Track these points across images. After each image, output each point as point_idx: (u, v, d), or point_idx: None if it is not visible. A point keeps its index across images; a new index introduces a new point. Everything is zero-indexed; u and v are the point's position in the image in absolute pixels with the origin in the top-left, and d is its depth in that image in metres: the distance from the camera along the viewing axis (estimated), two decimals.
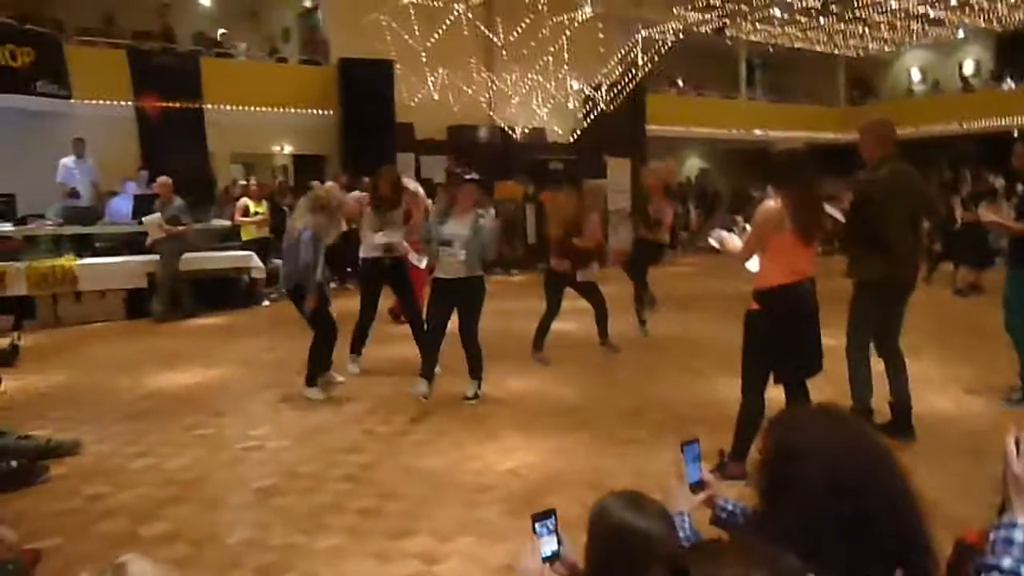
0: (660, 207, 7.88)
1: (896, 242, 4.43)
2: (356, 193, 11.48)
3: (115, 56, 12.50)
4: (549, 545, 1.75)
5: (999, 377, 5.70)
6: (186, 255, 9.99)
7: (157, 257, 9.63)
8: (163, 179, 10.01)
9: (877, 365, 4.80)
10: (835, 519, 1.30)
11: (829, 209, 4.35)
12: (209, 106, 13.09)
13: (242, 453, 4.68)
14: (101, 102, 12.28)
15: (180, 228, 9.77)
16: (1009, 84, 20.32)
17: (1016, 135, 18.05)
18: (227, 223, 11.50)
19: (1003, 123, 19.06)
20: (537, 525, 1.75)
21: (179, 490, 4.09)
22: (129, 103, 12.38)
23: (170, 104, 12.68)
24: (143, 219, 9.84)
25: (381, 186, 6.58)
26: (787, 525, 1.32)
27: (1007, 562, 1.11)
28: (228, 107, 13.50)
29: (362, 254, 6.62)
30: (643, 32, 17.77)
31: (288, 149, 15.43)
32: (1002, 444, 1.34)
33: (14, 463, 4.24)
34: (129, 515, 3.78)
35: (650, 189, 7.93)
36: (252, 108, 13.96)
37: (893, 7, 17.64)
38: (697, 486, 1.92)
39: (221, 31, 15.45)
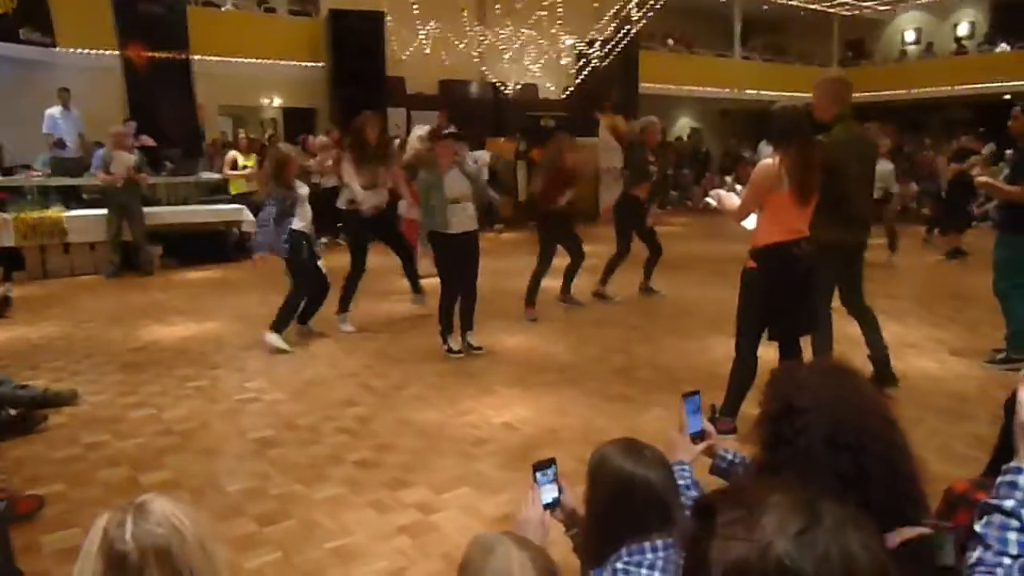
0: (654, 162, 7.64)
1: (851, 205, 4.41)
2: (322, 138, 11.30)
3: (99, 4, 12.19)
4: (550, 493, 1.81)
5: (983, 340, 5.81)
6: (173, 208, 9.91)
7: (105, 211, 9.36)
8: (117, 128, 9.62)
9: (854, 327, 4.89)
10: (833, 473, 1.34)
11: None
12: (196, 57, 12.85)
13: (238, 405, 4.73)
14: (86, 51, 12.03)
15: (141, 175, 9.51)
16: (1003, 47, 20.23)
17: (1009, 98, 18.04)
18: (216, 176, 11.40)
19: (996, 87, 19.01)
20: (538, 474, 1.81)
21: (178, 440, 4.14)
22: (115, 52, 12.14)
23: (156, 54, 12.44)
24: (112, 154, 9.27)
25: (367, 134, 6.21)
26: (786, 477, 1.37)
27: (1009, 503, 1.16)
28: (216, 58, 13.27)
29: (344, 207, 6.38)
30: None
31: (277, 102, 15.23)
32: (991, 403, 1.39)
33: (12, 412, 4.27)
34: (130, 463, 3.83)
35: (649, 144, 7.57)
36: (240, 59, 13.72)
37: None
38: (697, 436, 1.98)
39: None
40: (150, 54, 12.36)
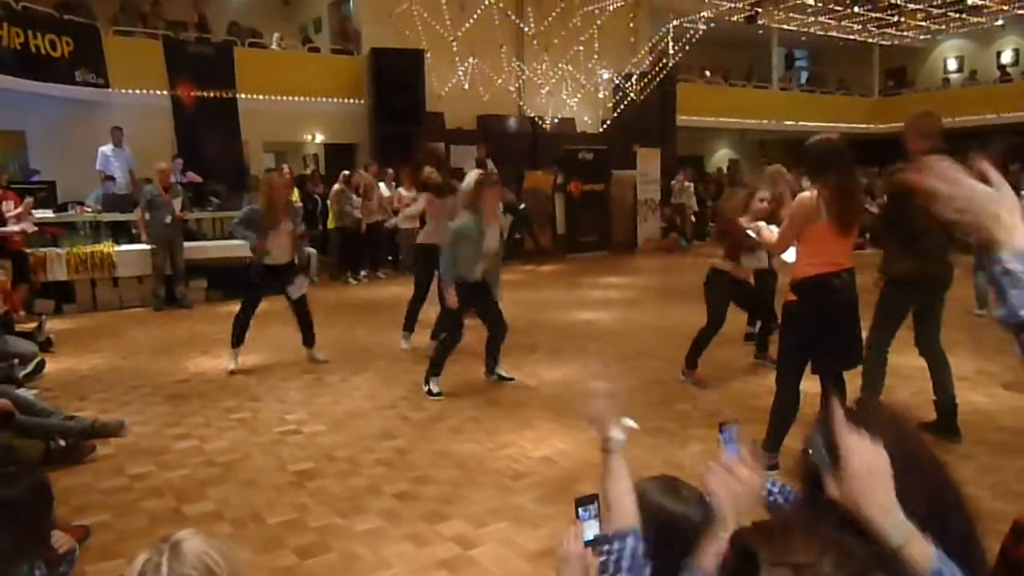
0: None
1: (926, 237, 4.25)
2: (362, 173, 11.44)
3: (151, 46, 12.69)
4: (591, 529, 1.78)
5: None
6: (218, 243, 10.15)
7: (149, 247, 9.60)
8: (160, 165, 9.72)
9: (902, 359, 4.76)
10: None
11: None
12: (242, 95, 13.24)
13: (279, 436, 4.78)
14: (138, 91, 12.47)
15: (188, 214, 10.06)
16: None
17: None
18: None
19: None
20: (580, 509, 1.78)
21: (220, 471, 4.20)
22: (165, 92, 12.57)
23: (204, 93, 12.86)
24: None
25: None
26: (832, 519, 1.34)
27: None
28: (261, 96, 13.66)
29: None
30: (674, 21, 17.63)
31: (319, 138, 15.55)
32: None
33: (62, 442, 4.37)
34: (174, 494, 3.89)
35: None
36: (284, 97, 14.10)
37: None
38: None
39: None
40: (198, 93, 12.78)
